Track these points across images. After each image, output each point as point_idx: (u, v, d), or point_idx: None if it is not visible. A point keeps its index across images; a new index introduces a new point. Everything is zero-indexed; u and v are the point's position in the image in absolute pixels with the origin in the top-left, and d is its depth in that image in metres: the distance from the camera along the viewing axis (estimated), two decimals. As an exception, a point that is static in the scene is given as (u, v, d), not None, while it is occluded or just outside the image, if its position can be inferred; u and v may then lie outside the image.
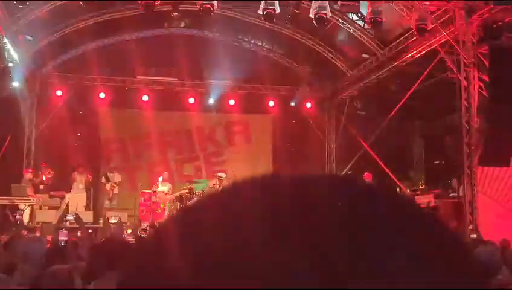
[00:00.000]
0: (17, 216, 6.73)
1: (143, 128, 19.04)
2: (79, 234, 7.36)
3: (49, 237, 7.53)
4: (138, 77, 18.71)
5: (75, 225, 7.54)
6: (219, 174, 15.69)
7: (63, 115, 17.47)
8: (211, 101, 19.50)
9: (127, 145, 19.28)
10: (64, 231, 5.78)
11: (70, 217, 5.97)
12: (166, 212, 15.20)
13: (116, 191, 16.24)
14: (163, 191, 15.04)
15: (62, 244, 5.59)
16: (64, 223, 6.73)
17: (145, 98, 18.68)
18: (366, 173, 15.63)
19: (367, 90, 17.98)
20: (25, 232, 7.63)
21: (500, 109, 11.57)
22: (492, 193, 12.41)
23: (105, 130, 18.96)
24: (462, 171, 12.73)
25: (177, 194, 16.49)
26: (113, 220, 7.35)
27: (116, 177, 16.37)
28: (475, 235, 8.65)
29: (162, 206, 14.83)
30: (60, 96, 18.00)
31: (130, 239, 7.65)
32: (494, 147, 11.68)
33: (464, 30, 12.72)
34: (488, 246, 4.73)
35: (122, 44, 17.88)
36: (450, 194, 14.86)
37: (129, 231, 8.33)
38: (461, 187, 13.30)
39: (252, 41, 19.65)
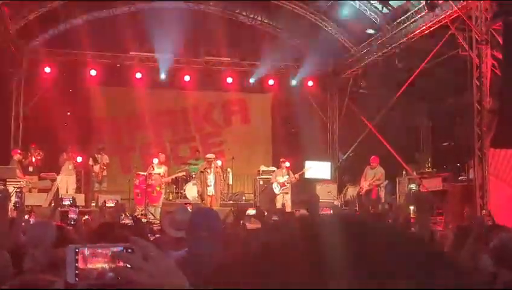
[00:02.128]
0: (16, 199, 6.71)
1: (136, 107, 18.96)
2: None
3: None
4: (131, 53, 18.56)
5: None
6: (207, 155, 15.66)
7: (52, 93, 17.33)
8: (208, 79, 19.39)
9: (120, 126, 19.22)
10: (75, 209, 5.80)
11: (67, 202, 5.96)
12: (162, 196, 15.20)
13: (105, 173, 16.16)
14: (159, 174, 15.02)
15: (72, 222, 5.61)
16: (61, 207, 6.72)
17: (138, 75, 18.56)
18: (373, 157, 15.67)
19: (372, 68, 17.90)
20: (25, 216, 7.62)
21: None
22: (504, 175, 12.43)
23: (96, 109, 18.87)
24: (473, 154, 12.75)
25: (174, 176, 16.49)
26: (110, 204, 7.35)
27: (105, 158, 16.29)
28: (490, 222, 8.66)
29: (158, 189, 14.81)
30: (49, 73, 17.86)
31: (128, 221, 7.63)
32: (507, 128, 11.68)
33: (477, 5, 12.66)
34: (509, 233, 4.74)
35: (114, 18, 17.74)
36: (460, 178, 14.90)
37: (125, 215, 8.32)
38: (471, 170, 13.34)
39: (251, 16, 19.51)
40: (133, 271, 1.35)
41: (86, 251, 1.42)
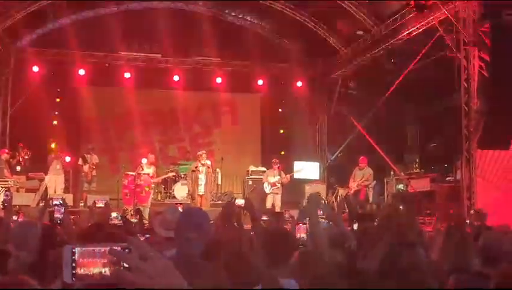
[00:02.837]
0: (4, 197, 6.67)
1: (125, 107, 18.95)
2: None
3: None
4: (120, 52, 18.51)
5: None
6: (199, 152, 15.69)
7: (40, 93, 17.24)
8: (197, 79, 19.36)
9: (108, 125, 19.20)
10: (60, 208, 5.77)
11: (57, 202, 5.94)
12: (151, 196, 15.18)
13: (94, 173, 16.13)
14: (148, 174, 15.00)
15: (58, 222, 5.59)
16: (50, 207, 6.68)
17: (127, 75, 18.51)
18: (361, 157, 15.75)
19: (361, 69, 17.98)
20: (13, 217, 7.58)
21: (501, 90, 11.68)
22: (491, 176, 12.55)
23: (85, 109, 18.81)
24: (461, 155, 12.84)
25: (164, 177, 16.48)
26: (100, 204, 7.33)
27: (94, 158, 16.26)
28: (479, 222, 8.74)
29: (146, 189, 14.78)
30: (37, 72, 17.75)
31: (117, 221, 7.62)
32: (493, 129, 11.80)
33: (464, 6, 12.75)
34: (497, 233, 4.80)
35: (103, 17, 17.68)
36: (447, 178, 15.00)
37: (114, 214, 8.30)
38: (459, 171, 13.44)
39: (240, 16, 19.52)
40: (132, 271, 1.36)
41: (83, 251, 1.44)
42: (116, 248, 1.41)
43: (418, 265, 2.70)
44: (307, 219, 6.80)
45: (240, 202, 5.80)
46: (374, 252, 3.61)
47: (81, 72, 18.12)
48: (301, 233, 5.07)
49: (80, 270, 1.42)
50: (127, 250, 1.40)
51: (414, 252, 2.77)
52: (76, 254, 1.43)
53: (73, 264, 1.42)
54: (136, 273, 1.35)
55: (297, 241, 4.85)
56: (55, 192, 15.07)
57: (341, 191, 17.17)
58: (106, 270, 1.41)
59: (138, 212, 11.17)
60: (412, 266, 2.67)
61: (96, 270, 1.42)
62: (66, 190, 15.91)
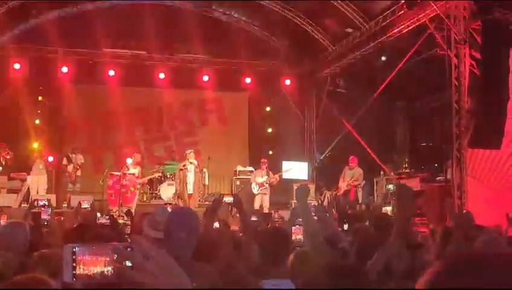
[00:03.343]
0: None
1: (109, 105, 18.88)
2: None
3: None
4: (104, 49, 18.42)
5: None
6: (186, 151, 15.69)
7: (22, 91, 17.12)
8: (183, 76, 19.32)
9: (92, 124, 19.10)
10: (47, 209, 5.76)
11: (42, 203, 5.94)
12: (137, 197, 15.14)
13: (79, 173, 16.08)
14: (134, 174, 14.96)
15: (45, 223, 5.58)
16: (34, 208, 6.67)
17: (111, 72, 18.45)
18: (351, 157, 15.81)
19: (350, 67, 18.04)
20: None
21: (492, 88, 11.75)
22: (482, 176, 12.65)
23: (68, 107, 18.74)
24: (451, 154, 12.91)
25: (150, 177, 16.44)
26: (85, 205, 7.30)
27: (79, 158, 16.20)
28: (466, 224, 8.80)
29: (132, 189, 14.74)
30: (18, 69, 17.62)
31: (104, 221, 7.59)
32: (485, 128, 11.88)
33: (455, 4, 12.82)
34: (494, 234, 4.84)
35: (86, 14, 17.57)
36: (437, 178, 15.10)
37: (100, 214, 8.28)
38: (449, 171, 13.51)
39: (227, 13, 19.49)
40: (136, 270, 1.36)
41: (84, 250, 1.44)
42: (118, 246, 1.42)
43: (424, 266, 2.72)
44: (299, 219, 6.82)
45: (229, 199, 5.80)
46: (377, 253, 3.63)
47: (64, 69, 18.01)
48: (298, 235, 5.09)
49: (81, 270, 1.42)
50: (129, 249, 1.41)
51: (419, 253, 2.79)
52: (77, 253, 1.43)
53: (74, 264, 1.42)
54: (140, 271, 1.35)
55: (293, 242, 4.87)
56: (37, 193, 14.98)
57: (328, 194, 17.21)
58: (108, 270, 1.42)
59: (129, 213, 11.13)
60: (420, 267, 2.69)
61: (97, 270, 1.42)
62: (49, 190, 15.82)
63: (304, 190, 4.57)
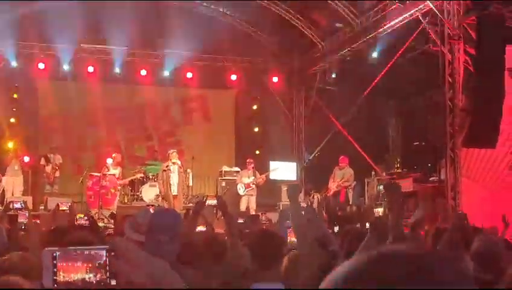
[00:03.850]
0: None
1: (88, 103, 18.80)
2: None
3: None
4: (82, 45, 18.30)
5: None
6: (169, 151, 15.61)
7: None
8: (166, 73, 19.28)
9: (70, 123, 18.98)
10: (24, 212, 5.70)
11: (18, 205, 5.88)
12: (117, 198, 15.06)
13: (57, 174, 15.99)
14: (114, 175, 14.88)
15: (22, 227, 5.52)
16: (10, 211, 6.60)
17: (90, 69, 18.35)
18: (342, 157, 15.81)
19: (340, 63, 18.07)
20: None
21: (488, 85, 11.80)
22: (476, 176, 12.71)
23: (45, 105, 18.64)
24: (445, 154, 12.97)
25: (132, 178, 16.36)
26: (63, 207, 7.24)
27: (57, 158, 16.11)
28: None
29: (112, 191, 14.66)
30: (-8, 66, 17.49)
31: (83, 222, 7.54)
32: (480, 127, 11.93)
33: (449, -2, 12.88)
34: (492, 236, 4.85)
35: (64, 7, 17.42)
36: (431, 179, 15.15)
37: (79, 216, 8.24)
38: (443, 171, 13.56)
39: (212, 6, 19.44)
40: (131, 272, 1.33)
41: (65, 255, 1.41)
42: (101, 250, 1.39)
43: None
44: (288, 221, 6.79)
45: (212, 202, 5.76)
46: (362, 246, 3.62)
47: (41, 65, 17.90)
48: (293, 237, 5.07)
49: (61, 276, 1.39)
50: (113, 253, 1.38)
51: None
52: (57, 259, 1.40)
53: (55, 269, 1.39)
54: (135, 273, 1.32)
55: (288, 245, 4.85)
56: (12, 194, 14.88)
57: (317, 196, 17.21)
58: (91, 277, 1.39)
59: (113, 216, 11.06)
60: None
61: (79, 276, 1.39)
62: (25, 192, 15.70)
63: (295, 188, 4.57)
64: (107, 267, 1.37)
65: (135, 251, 1.37)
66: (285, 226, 5.50)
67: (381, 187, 16.46)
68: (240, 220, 9.21)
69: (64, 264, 1.40)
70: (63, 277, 1.40)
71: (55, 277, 1.40)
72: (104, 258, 1.40)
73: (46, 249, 1.43)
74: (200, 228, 6.25)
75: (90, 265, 1.40)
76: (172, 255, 3.39)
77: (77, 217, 7.32)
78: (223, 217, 5.19)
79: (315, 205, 16.82)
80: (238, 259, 4.36)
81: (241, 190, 15.72)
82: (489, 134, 11.88)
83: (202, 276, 3.75)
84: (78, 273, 1.40)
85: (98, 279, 1.38)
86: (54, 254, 1.41)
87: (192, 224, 4.97)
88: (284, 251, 4.01)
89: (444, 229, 5.07)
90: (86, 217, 7.39)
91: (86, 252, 1.41)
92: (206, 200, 5.45)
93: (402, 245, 0.97)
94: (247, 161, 16.10)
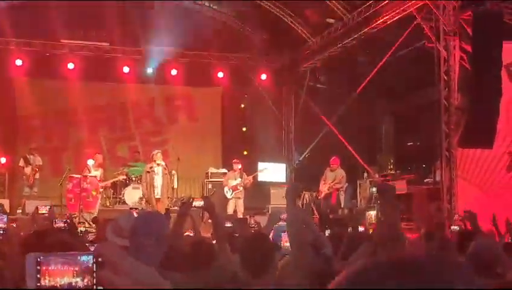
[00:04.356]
0: None
1: (68, 102, 18.72)
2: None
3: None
4: (62, 40, 18.22)
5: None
6: (153, 152, 15.51)
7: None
8: (149, 70, 19.23)
9: (50, 122, 18.92)
10: (2, 217, 5.66)
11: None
12: (99, 201, 14.99)
13: (37, 176, 15.93)
14: (96, 177, 14.82)
15: (1, 232, 5.49)
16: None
17: (70, 66, 18.29)
18: (333, 158, 15.83)
19: (331, 61, 18.09)
20: None
21: (484, 83, 11.84)
22: (473, 177, 12.77)
23: (23, 103, 18.53)
24: (440, 154, 13.02)
25: (114, 180, 16.29)
26: (43, 211, 7.19)
27: (37, 159, 16.04)
28: (457, 228, 8.90)
29: (94, 193, 14.59)
30: (-33, 62, 17.39)
31: (62, 225, 7.50)
32: (476, 126, 11.97)
33: (445, -7, 12.93)
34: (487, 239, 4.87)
35: (43, 2, 17.35)
36: (425, 180, 15.20)
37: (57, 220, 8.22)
38: (438, 172, 13.62)
39: (198, 1, 19.41)
40: (117, 279, 1.33)
41: (49, 260, 1.40)
42: (87, 256, 1.39)
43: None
44: (276, 225, 6.79)
45: (199, 203, 5.71)
46: (360, 250, 3.62)
47: (18, 62, 17.82)
48: (287, 242, 5.05)
49: (46, 281, 1.39)
50: (100, 259, 1.38)
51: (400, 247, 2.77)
52: (41, 263, 1.39)
53: (38, 275, 1.38)
54: (122, 279, 1.32)
55: (281, 250, 4.84)
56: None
57: (306, 196, 17.24)
58: (78, 281, 1.38)
59: (95, 220, 11.02)
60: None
61: (65, 281, 1.39)
62: (1, 194, 15.63)
63: (295, 188, 4.54)
64: (94, 273, 1.37)
65: (121, 257, 1.37)
66: (279, 230, 5.49)
67: (374, 189, 16.50)
68: (228, 224, 9.21)
69: (50, 268, 1.40)
70: (49, 281, 1.40)
71: (38, 283, 1.40)
72: (91, 263, 1.39)
73: (29, 254, 1.42)
74: (187, 233, 6.23)
75: (77, 269, 1.39)
76: (158, 260, 3.38)
77: (55, 220, 7.29)
78: (210, 219, 5.15)
79: (304, 204, 16.88)
80: (227, 264, 4.36)
81: (228, 193, 15.69)
82: (486, 134, 11.93)
83: (189, 282, 3.74)
84: (65, 277, 1.40)
85: (85, 283, 1.38)
86: (38, 259, 1.40)
87: (178, 227, 4.94)
88: (276, 257, 4.00)
89: (435, 232, 5.11)
90: (63, 220, 7.37)
91: (72, 256, 1.41)
92: (192, 201, 5.40)
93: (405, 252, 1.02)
94: (233, 161, 16.08)
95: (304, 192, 17.80)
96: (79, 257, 1.39)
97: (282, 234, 5.33)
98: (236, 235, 6.93)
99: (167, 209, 13.02)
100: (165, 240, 3.53)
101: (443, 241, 5.37)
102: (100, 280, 1.37)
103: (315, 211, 16.23)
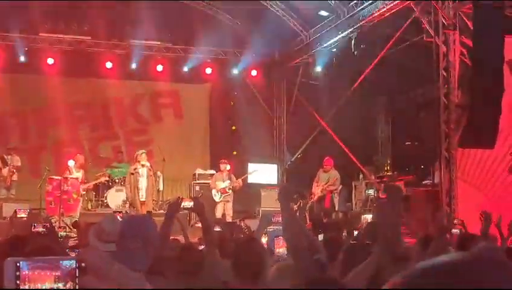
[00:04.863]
0: None
1: (48, 99, 18.66)
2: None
3: None
4: (41, 34, 18.15)
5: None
6: (137, 152, 15.42)
7: None
8: (133, 66, 19.17)
9: (28, 121, 18.89)
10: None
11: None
12: (80, 204, 14.95)
13: (15, 177, 15.85)
14: (77, 178, 14.76)
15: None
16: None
17: (50, 61, 18.23)
18: (327, 158, 15.83)
19: (325, 55, 18.09)
20: None
21: (485, 79, 11.87)
22: (473, 179, 12.80)
23: (-2, 100, 18.45)
24: (439, 155, 13.04)
25: (96, 182, 16.24)
26: (22, 215, 7.15)
27: (15, 160, 15.98)
28: (457, 231, 8.92)
29: (75, 196, 14.54)
30: None
31: (41, 229, 7.47)
32: (477, 125, 12.00)
33: (444, -15, 12.96)
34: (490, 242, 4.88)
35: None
36: (424, 182, 15.25)
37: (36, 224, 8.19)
38: (437, 173, 13.65)
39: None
40: (102, 283, 1.32)
41: (29, 264, 1.39)
42: (70, 261, 1.38)
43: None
44: (268, 228, 6.77)
45: (188, 204, 5.68)
46: (362, 267, 3.62)
47: (-6, 57, 17.76)
48: (280, 247, 5.03)
49: (26, 286, 1.38)
50: (83, 264, 1.37)
51: (406, 267, 2.78)
52: (21, 268, 1.38)
53: (18, 281, 1.38)
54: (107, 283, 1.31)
55: (274, 256, 4.83)
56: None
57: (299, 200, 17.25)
58: (59, 286, 1.37)
59: (76, 224, 10.98)
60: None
61: (46, 286, 1.38)
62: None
63: (288, 189, 4.52)
64: (76, 278, 1.36)
65: (107, 263, 1.36)
66: (272, 235, 5.46)
67: (369, 191, 16.56)
68: (217, 228, 9.18)
69: (30, 273, 1.39)
70: (29, 286, 1.39)
71: (18, 289, 1.39)
72: (73, 268, 1.38)
73: (9, 258, 1.41)
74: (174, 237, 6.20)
75: (58, 274, 1.39)
76: (146, 264, 3.36)
77: (35, 225, 7.27)
78: (200, 221, 5.11)
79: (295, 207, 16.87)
80: (216, 270, 4.34)
81: (216, 196, 15.66)
82: (487, 133, 11.95)
83: (177, 287, 3.73)
84: (46, 282, 1.39)
85: (67, 288, 1.37)
86: (18, 264, 1.39)
87: (166, 230, 4.92)
88: (268, 262, 3.99)
89: (431, 237, 5.11)
90: (43, 224, 7.34)
91: (53, 261, 1.40)
92: (181, 201, 5.35)
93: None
94: (221, 161, 16.05)
95: (299, 200, 17.82)
96: (61, 262, 1.39)
97: (275, 239, 5.29)
98: (227, 240, 6.91)
99: (149, 212, 13.01)
100: (153, 243, 3.52)
101: (443, 245, 5.36)
102: (83, 286, 1.36)
103: (307, 218, 16.22)
